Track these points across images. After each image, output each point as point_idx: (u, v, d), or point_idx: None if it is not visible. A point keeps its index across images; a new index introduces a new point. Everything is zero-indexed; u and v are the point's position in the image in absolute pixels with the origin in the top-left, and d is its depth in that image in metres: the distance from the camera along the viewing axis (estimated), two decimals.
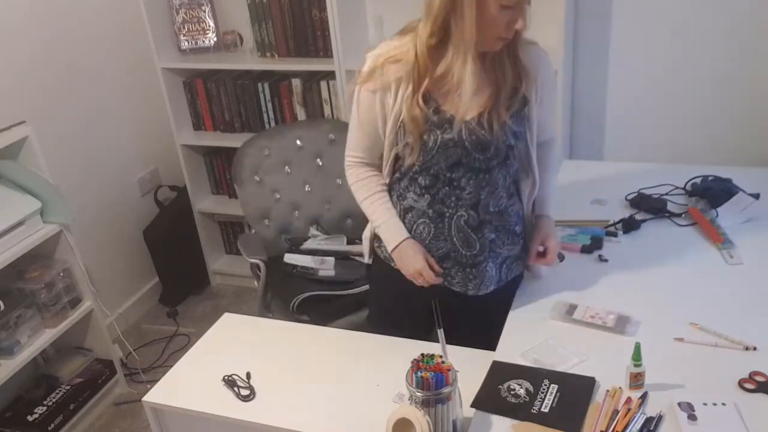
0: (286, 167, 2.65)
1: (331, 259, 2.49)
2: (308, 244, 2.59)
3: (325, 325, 1.99)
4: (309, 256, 2.50)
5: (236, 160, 2.62)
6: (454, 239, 1.67)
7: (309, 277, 2.44)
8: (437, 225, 1.67)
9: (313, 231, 2.67)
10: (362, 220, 2.65)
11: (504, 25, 1.48)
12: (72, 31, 2.86)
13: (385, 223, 1.72)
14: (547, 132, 1.75)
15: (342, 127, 2.70)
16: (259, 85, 3.08)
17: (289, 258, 2.49)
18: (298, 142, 2.67)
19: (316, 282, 2.43)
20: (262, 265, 2.42)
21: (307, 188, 2.67)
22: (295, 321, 2.27)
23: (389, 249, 1.72)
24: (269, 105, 3.10)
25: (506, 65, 1.57)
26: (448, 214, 1.66)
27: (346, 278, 2.42)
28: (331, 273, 2.45)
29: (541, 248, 1.74)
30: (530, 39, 1.62)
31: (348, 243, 2.61)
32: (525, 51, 1.59)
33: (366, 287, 2.34)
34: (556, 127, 1.99)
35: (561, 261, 1.85)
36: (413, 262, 1.68)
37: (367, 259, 1.88)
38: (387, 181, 1.72)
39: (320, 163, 2.68)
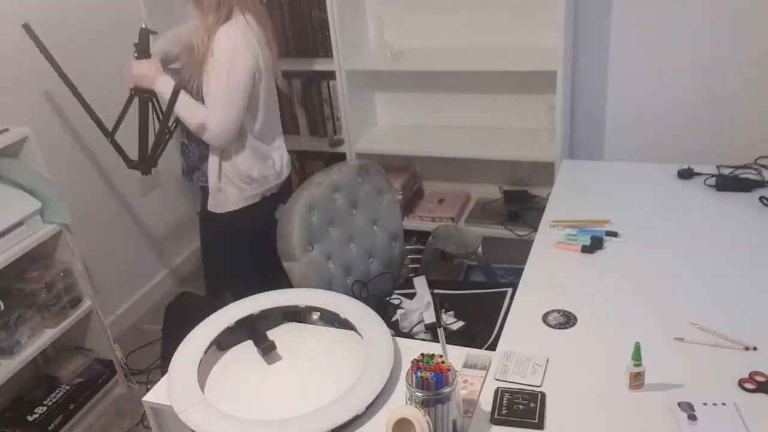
0: (330, 227, 2.19)
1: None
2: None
3: None
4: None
5: (282, 235, 2.07)
6: None
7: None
8: None
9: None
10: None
11: None
12: (72, 31, 2.86)
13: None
14: None
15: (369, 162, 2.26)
16: None
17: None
18: (335, 195, 2.19)
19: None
20: None
21: (351, 246, 2.26)
22: None
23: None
24: None
25: None
26: None
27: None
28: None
29: None
30: None
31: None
32: None
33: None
34: None
35: None
36: None
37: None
38: None
39: (354, 213, 2.27)
